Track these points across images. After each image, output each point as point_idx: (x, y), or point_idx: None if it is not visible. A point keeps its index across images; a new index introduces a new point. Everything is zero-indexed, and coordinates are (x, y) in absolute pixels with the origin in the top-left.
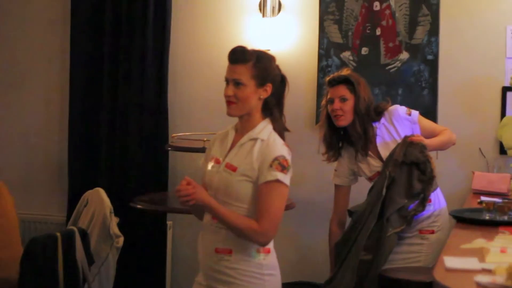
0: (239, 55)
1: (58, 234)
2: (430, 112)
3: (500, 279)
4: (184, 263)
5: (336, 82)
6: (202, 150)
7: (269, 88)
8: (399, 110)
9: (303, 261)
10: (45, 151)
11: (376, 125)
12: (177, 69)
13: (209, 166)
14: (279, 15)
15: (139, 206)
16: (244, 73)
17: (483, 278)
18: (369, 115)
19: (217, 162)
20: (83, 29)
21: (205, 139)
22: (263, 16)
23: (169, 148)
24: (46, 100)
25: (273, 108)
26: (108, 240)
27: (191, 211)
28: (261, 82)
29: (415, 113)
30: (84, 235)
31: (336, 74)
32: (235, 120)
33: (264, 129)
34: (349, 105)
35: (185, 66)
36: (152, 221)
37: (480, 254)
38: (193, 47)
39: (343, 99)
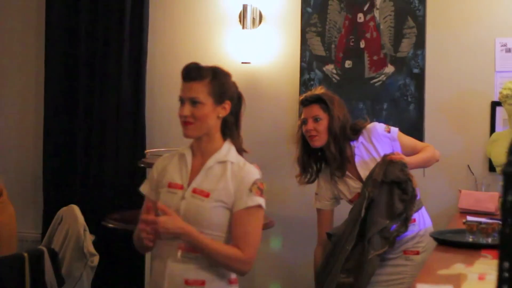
0: (194, 72)
1: (26, 255)
2: (416, 128)
3: None
4: None
5: (309, 101)
6: None
7: (227, 105)
8: (377, 127)
9: (287, 283)
10: (19, 166)
11: (354, 144)
12: (155, 84)
13: (166, 193)
14: (259, 27)
15: (110, 225)
16: (201, 91)
17: None
18: (345, 134)
19: (179, 187)
20: (57, 40)
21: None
22: (243, 27)
23: (142, 165)
24: (20, 113)
25: (232, 128)
26: (82, 259)
27: (135, 241)
28: (219, 99)
29: (395, 130)
30: (54, 254)
31: (309, 93)
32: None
33: (230, 150)
34: (323, 124)
35: (163, 81)
36: (129, 239)
37: (457, 281)
38: (171, 60)
39: (317, 119)
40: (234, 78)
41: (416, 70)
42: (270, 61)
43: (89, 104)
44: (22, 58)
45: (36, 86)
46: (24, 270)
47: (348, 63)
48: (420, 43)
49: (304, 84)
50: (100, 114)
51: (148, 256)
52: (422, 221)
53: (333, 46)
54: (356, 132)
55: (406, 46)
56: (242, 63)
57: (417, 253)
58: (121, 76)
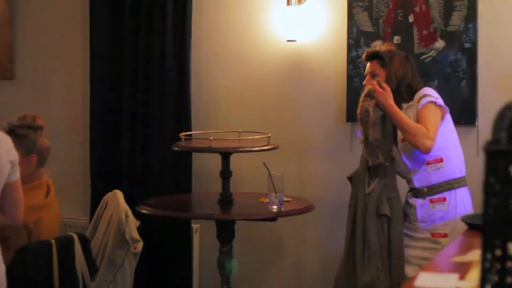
0: None
1: (53, 241)
2: (469, 106)
3: None
4: (214, 269)
5: (369, 57)
6: (207, 150)
7: None
8: (420, 93)
9: (330, 269)
10: (69, 152)
11: (404, 105)
12: (201, 64)
13: None
14: (305, 3)
15: (143, 211)
16: None
17: None
18: (400, 93)
19: None
20: (102, 21)
21: (211, 138)
22: (288, 4)
23: (176, 148)
24: (67, 102)
25: None
26: (123, 246)
27: None
28: None
29: (425, 100)
30: (85, 241)
31: (370, 48)
32: (263, 118)
33: None
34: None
35: (208, 60)
36: (176, 224)
37: (467, 268)
38: (216, 39)
39: (374, 75)
40: (279, 56)
41: (467, 45)
42: (316, 39)
43: (133, 88)
44: (70, 53)
45: (82, 74)
46: (52, 258)
47: (396, 39)
48: (471, 15)
49: (352, 62)
50: (144, 97)
51: (196, 243)
52: (454, 203)
53: (380, 21)
54: (413, 93)
55: (456, 20)
56: (288, 41)
57: (445, 235)
58: (166, 57)
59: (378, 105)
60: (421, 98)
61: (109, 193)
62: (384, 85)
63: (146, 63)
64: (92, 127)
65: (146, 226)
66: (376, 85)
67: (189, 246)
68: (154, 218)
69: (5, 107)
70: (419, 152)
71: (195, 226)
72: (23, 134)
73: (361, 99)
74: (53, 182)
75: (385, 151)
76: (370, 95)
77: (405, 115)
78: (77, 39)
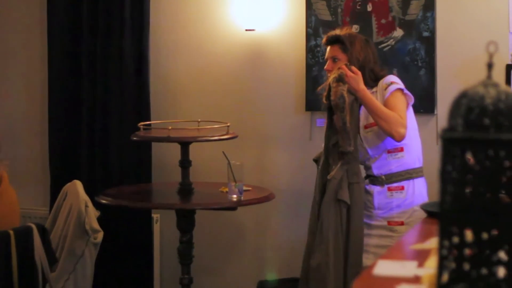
0: None
1: (11, 232)
2: (428, 94)
3: None
4: (175, 259)
5: (330, 41)
6: (166, 139)
7: None
8: (385, 81)
9: (295, 255)
10: (27, 143)
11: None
12: (160, 53)
13: None
14: None
15: (103, 201)
16: None
17: None
18: (363, 78)
19: None
20: (60, 10)
21: (170, 127)
22: None
23: (135, 138)
24: (25, 92)
25: None
26: (83, 236)
27: None
28: None
29: (392, 88)
30: (44, 231)
31: (330, 33)
32: (222, 107)
33: None
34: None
35: (167, 49)
36: (136, 214)
37: (426, 256)
38: (174, 28)
39: (335, 59)
40: (238, 46)
41: (426, 34)
42: (275, 28)
43: (92, 78)
44: (25, 36)
45: (41, 65)
46: (10, 248)
47: (355, 28)
48: (429, 4)
49: (311, 51)
50: (103, 87)
51: (156, 233)
52: (412, 192)
53: (339, 10)
54: (376, 79)
55: (415, 8)
56: (246, 30)
57: (402, 223)
58: (124, 47)
59: (349, 90)
60: (388, 85)
61: (69, 184)
62: (355, 69)
63: (104, 53)
64: (51, 118)
65: (106, 216)
66: (347, 69)
67: (149, 236)
68: (114, 208)
69: None
70: (382, 139)
71: (155, 216)
72: None
73: (333, 84)
74: (12, 173)
75: (353, 137)
76: (341, 79)
77: (377, 101)
78: (34, 31)
